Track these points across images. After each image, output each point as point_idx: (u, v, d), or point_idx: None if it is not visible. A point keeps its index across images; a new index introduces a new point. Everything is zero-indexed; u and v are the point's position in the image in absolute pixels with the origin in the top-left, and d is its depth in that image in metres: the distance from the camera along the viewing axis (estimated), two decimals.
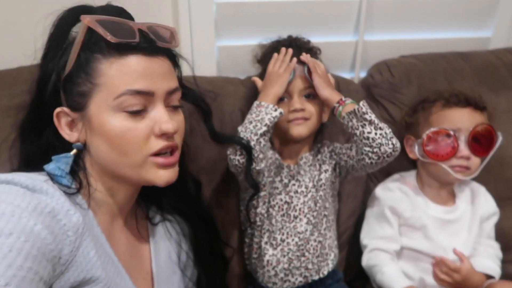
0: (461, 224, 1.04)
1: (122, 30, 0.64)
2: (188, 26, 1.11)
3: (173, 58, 0.72)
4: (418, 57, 1.19)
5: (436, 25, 1.28)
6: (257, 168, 0.85)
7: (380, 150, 0.87)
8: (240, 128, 0.87)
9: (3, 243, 0.50)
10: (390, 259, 1.01)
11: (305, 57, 0.95)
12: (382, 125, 0.88)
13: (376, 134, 0.86)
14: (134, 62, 0.64)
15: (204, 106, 0.84)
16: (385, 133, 0.87)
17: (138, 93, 0.63)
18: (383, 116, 1.14)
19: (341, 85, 1.11)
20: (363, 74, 1.25)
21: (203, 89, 0.87)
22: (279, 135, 0.99)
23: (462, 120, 1.00)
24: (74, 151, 0.67)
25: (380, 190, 1.07)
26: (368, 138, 0.87)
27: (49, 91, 0.67)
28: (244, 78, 1.12)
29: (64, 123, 0.67)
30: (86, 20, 0.63)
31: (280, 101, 0.95)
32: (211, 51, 1.15)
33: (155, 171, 0.67)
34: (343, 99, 0.91)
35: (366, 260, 1.03)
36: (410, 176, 1.10)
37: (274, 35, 1.06)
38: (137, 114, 0.64)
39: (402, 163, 1.10)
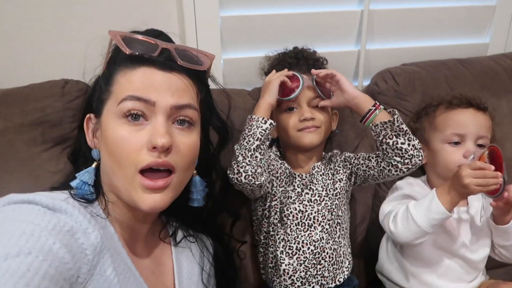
0: (477, 223, 1.03)
1: (143, 45, 0.66)
2: (194, 39, 1.13)
3: (199, 80, 0.72)
4: (420, 65, 1.22)
5: (435, 33, 1.32)
6: (257, 183, 0.85)
7: (411, 161, 0.87)
8: (236, 146, 0.87)
9: (22, 262, 0.50)
10: None
11: (315, 71, 0.95)
12: (413, 136, 0.88)
13: (409, 145, 0.87)
14: (143, 73, 0.65)
15: (224, 136, 0.85)
16: (416, 144, 0.88)
17: (138, 99, 0.63)
18: None
19: None
20: (366, 83, 1.28)
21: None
22: (288, 145, 1.00)
23: (467, 124, 1.00)
24: (95, 163, 0.70)
25: (400, 182, 1.06)
26: (401, 149, 0.87)
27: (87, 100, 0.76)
28: (251, 89, 1.13)
29: (90, 129, 0.72)
30: (112, 34, 0.67)
31: (289, 110, 0.96)
32: (217, 63, 1.16)
33: (141, 193, 0.63)
34: (377, 103, 0.90)
35: (389, 223, 0.95)
36: (421, 180, 1.10)
37: (278, 47, 1.08)
38: (136, 121, 0.63)
39: None
